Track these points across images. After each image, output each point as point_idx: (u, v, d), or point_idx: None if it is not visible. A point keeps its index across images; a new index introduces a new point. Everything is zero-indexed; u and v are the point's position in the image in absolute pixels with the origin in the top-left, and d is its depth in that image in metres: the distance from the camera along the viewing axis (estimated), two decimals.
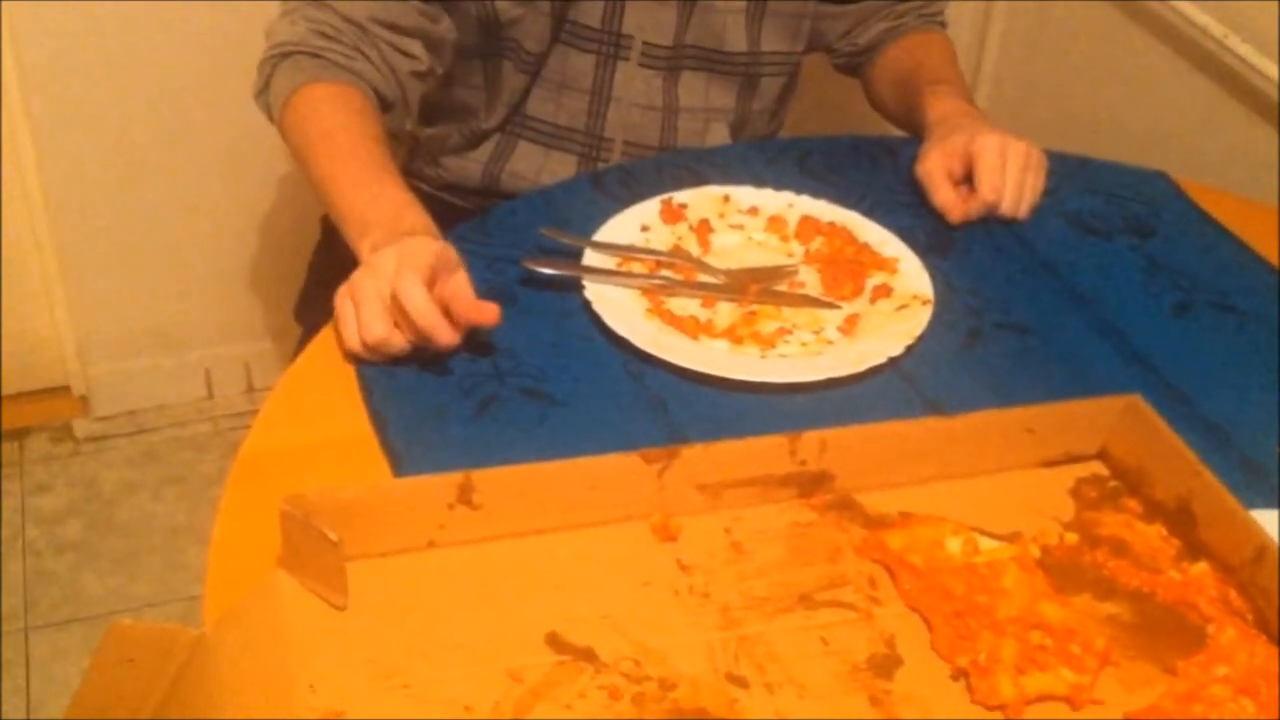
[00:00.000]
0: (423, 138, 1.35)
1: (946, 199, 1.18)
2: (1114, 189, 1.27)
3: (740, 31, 1.29)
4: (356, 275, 0.96)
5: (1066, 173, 1.27)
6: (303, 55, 1.14)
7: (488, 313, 0.95)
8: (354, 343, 0.94)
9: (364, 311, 0.93)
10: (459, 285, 0.95)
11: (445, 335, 0.93)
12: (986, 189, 1.16)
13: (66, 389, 2.06)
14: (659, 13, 1.26)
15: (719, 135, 1.35)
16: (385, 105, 1.18)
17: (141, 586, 1.82)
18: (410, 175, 1.36)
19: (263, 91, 1.17)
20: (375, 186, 1.04)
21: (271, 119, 1.17)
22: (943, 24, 1.44)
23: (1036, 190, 1.20)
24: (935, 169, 1.19)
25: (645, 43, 1.27)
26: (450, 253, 0.97)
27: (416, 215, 1.01)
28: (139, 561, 1.85)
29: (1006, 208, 1.17)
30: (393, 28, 1.17)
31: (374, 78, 1.16)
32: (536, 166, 1.31)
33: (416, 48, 1.19)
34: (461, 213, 1.33)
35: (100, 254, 1.94)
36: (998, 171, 1.17)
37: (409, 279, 0.91)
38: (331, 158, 1.07)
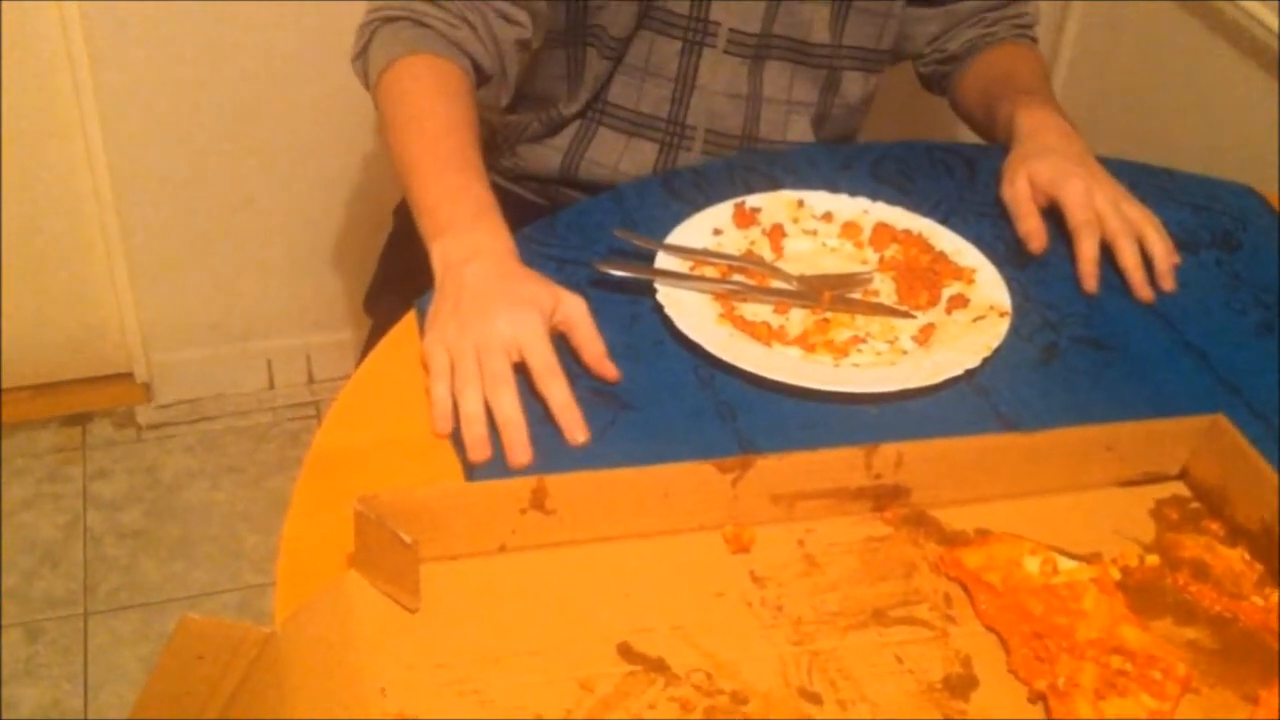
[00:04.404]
0: (499, 125, 1.34)
1: (1032, 228, 1.15)
2: (1200, 201, 1.25)
3: (825, 23, 1.28)
4: (452, 324, 0.93)
5: (1151, 184, 1.24)
6: (406, 22, 1.13)
7: (612, 373, 0.95)
8: (444, 424, 0.90)
9: (465, 398, 0.90)
10: (588, 337, 0.95)
11: (522, 456, 0.88)
12: (1086, 262, 1.12)
13: (130, 376, 2.08)
14: (747, 1, 1.25)
15: (799, 129, 1.33)
16: (484, 78, 1.17)
17: (200, 574, 1.83)
18: (487, 168, 1.35)
19: (360, 56, 1.16)
20: (456, 179, 1.03)
21: (366, 86, 1.16)
22: (1034, 39, 1.41)
23: (1156, 237, 1.13)
24: (1024, 197, 1.16)
25: (732, 29, 1.26)
26: (570, 305, 0.95)
27: (494, 223, 1.00)
28: (197, 549, 1.87)
29: (1137, 288, 1.11)
30: None
31: (475, 49, 1.15)
32: (616, 154, 1.30)
33: (522, 15, 1.18)
34: (534, 208, 1.32)
35: (165, 243, 1.96)
36: (1091, 230, 1.12)
37: (505, 389, 0.89)
38: (419, 143, 1.05)
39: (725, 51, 1.27)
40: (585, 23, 1.24)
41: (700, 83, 1.28)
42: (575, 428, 0.90)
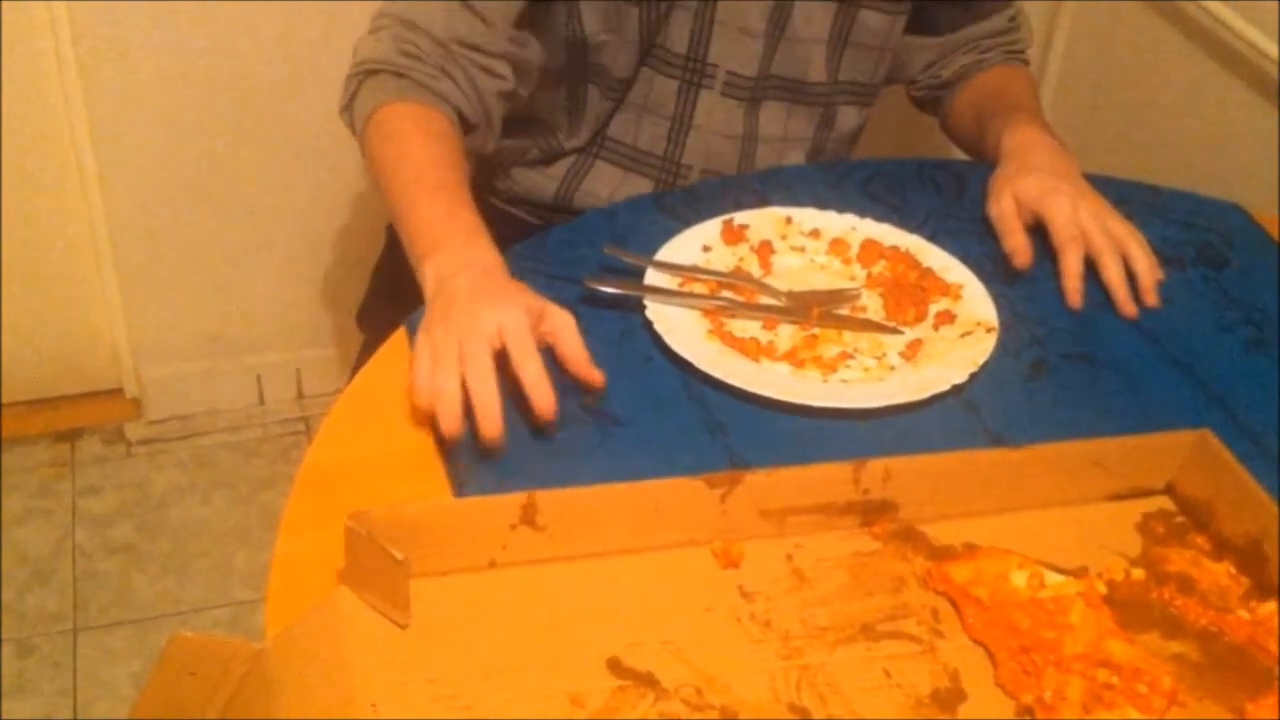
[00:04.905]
0: (497, 149, 1.35)
1: (1017, 244, 1.15)
2: (1188, 218, 1.25)
3: (821, 61, 1.29)
4: (439, 327, 0.92)
5: (1139, 201, 1.25)
6: (387, 74, 1.14)
7: (596, 378, 0.94)
8: (423, 399, 0.89)
9: (441, 374, 0.89)
10: (572, 346, 0.95)
11: (493, 428, 0.88)
12: (1071, 278, 1.12)
13: (119, 391, 2.07)
14: (745, 43, 1.25)
15: (793, 162, 1.34)
16: (468, 127, 1.18)
17: (190, 590, 1.83)
18: (480, 189, 1.36)
19: (347, 107, 1.18)
20: (445, 206, 1.04)
21: (354, 134, 1.17)
22: (1026, 60, 1.42)
23: (1141, 258, 1.13)
24: (1009, 213, 1.17)
25: (729, 72, 1.26)
26: (558, 317, 0.95)
27: (484, 243, 1.01)
28: (188, 565, 1.86)
29: (1120, 304, 1.11)
30: (480, 50, 1.17)
31: (458, 99, 1.16)
32: (611, 188, 1.31)
33: (503, 68, 1.19)
34: (528, 228, 1.33)
35: (156, 258, 1.96)
36: (1075, 246, 1.13)
37: (481, 365, 0.89)
38: (405, 177, 1.07)
39: (722, 94, 1.28)
40: (586, 61, 1.25)
41: (697, 123, 1.29)
42: (545, 403, 0.89)
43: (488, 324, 0.91)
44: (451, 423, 0.87)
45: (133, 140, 1.84)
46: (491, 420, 0.87)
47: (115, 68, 1.78)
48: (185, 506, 1.96)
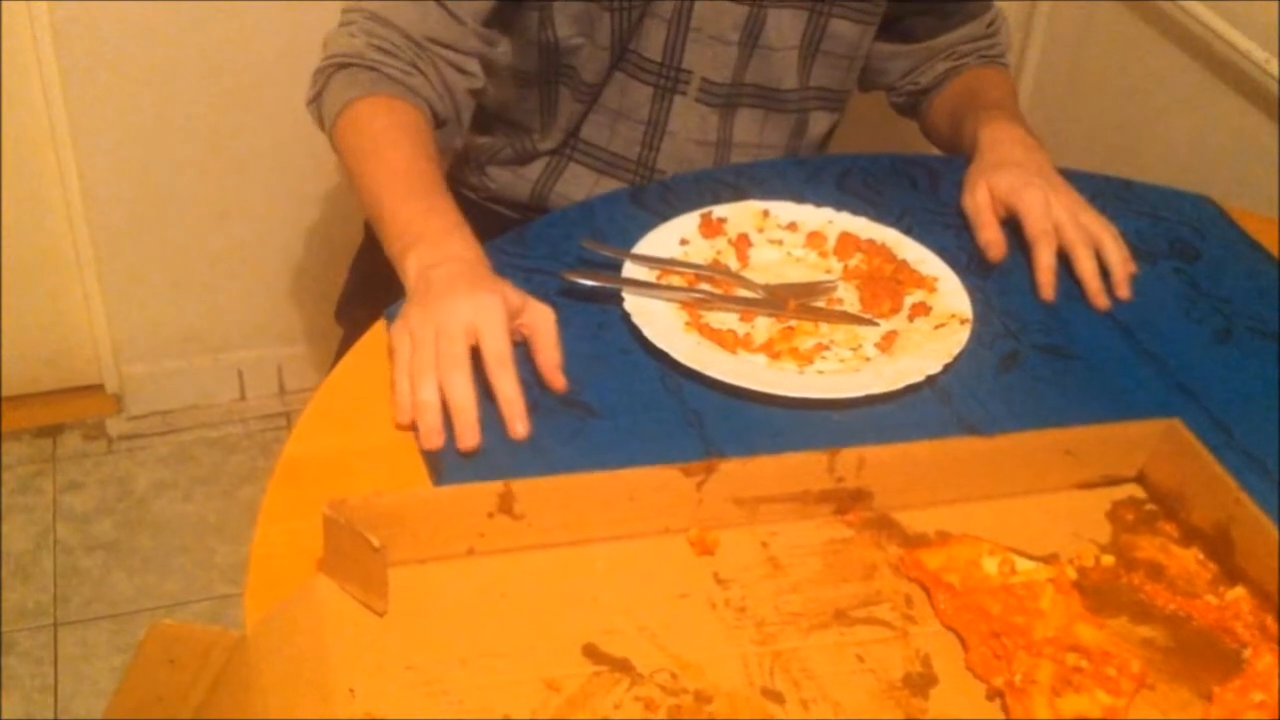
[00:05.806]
0: (470, 145, 1.35)
1: (991, 237, 1.17)
2: (1159, 211, 1.27)
3: (793, 69, 1.30)
4: (416, 311, 0.94)
5: (1112, 195, 1.26)
6: (359, 68, 1.15)
7: (559, 384, 0.95)
8: (404, 417, 0.91)
9: (420, 385, 0.90)
10: (547, 344, 0.96)
11: (470, 440, 0.89)
12: (1043, 271, 1.13)
13: (100, 387, 2.08)
14: (719, 51, 1.26)
15: None
16: (439, 122, 1.19)
17: (171, 585, 1.83)
18: (456, 182, 1.36)
19: (315, 100, 1.18)
20: (425, 201, 1.04)
21: (323, 128, 1.17)
22: (1005, 64, 1.43)
23: (1114, 250, 1.15)
24: (984, 207, 1.18)
25: (704, 79, 1.27)
26: (537, 312, 0.96)
27: (466, 237, 1.01)
28: (169, 560, 1.87)
29: (1093, 296, 1.13)
30: (452, 48, 1.17)
31: (429, 95, 1.16)
32: (585, 190, 1.32)
33: (474, 65, 1.20)
34: (507, 222, 1.34)
35: (137, 255, 1.96)
36: (1048, 240, 1.14)
37: (459, 373, 0.90)
38: (382, 172, 1.07)
39: (696, 100, 1.28)
40: (558, 64, 1.25)
41: (671, 129, 1.30)
42: (517, 419, 0.90)
43: (464, 315, 0.92)
44: (433, 439, 0.89)
45: (113, 138, 1.84)
46: (470, 433, 0.89)
47: (95, 67, 1.78)
48: (166, 502, 1.96)
